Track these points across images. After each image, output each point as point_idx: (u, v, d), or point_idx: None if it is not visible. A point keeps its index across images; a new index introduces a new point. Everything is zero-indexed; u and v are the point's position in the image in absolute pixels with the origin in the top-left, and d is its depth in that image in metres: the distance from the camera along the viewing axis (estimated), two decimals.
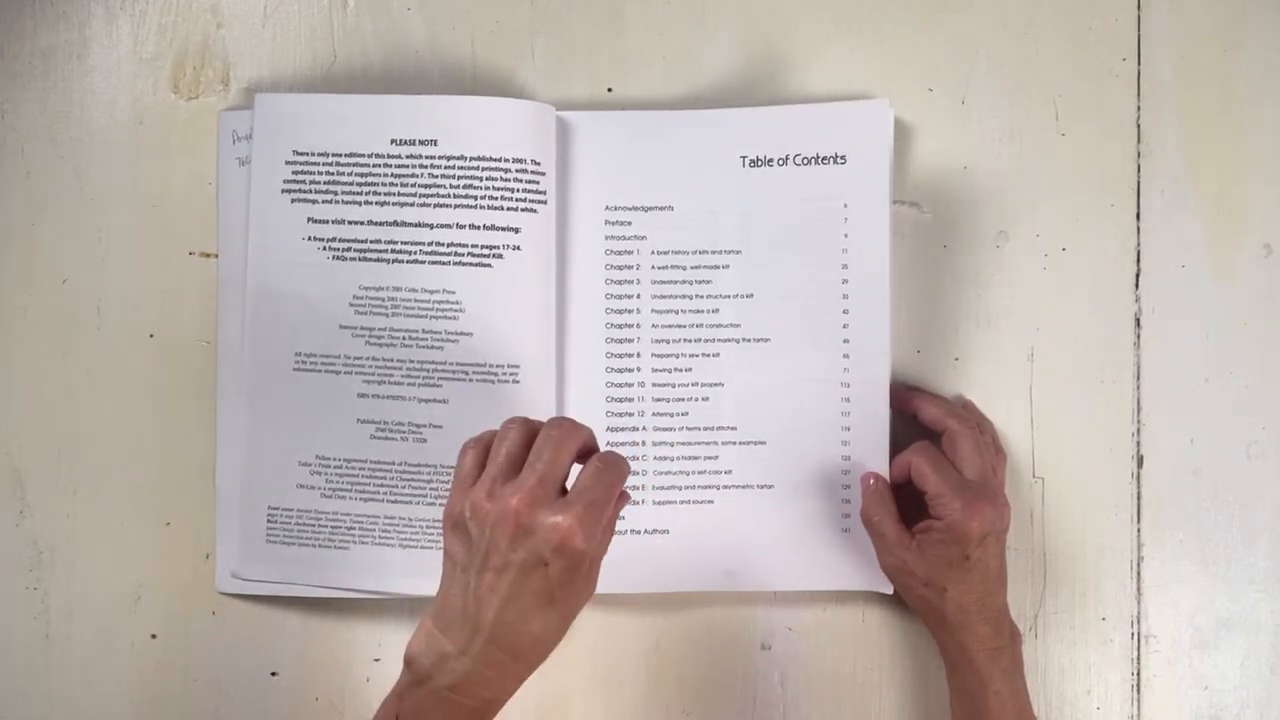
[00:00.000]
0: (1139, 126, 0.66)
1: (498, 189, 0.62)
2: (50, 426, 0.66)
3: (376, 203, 0.62)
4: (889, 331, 0.63)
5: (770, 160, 0.63)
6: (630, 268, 0.64)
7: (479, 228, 0.62)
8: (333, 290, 0.63)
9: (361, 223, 0.63)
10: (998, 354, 0.66)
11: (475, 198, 0.62)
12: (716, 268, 0.64)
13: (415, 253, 0.62)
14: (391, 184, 0.62)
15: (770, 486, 0.64)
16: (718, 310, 0.64)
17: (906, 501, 0.61)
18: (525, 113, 0.62)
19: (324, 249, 0.63)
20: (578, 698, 0.66)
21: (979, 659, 0.59)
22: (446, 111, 0.62)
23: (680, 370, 0.64)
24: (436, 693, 0.51)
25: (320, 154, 0.63)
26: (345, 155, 0.63)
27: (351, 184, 0.63)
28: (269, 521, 0.63)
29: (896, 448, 0.62)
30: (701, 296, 0.64)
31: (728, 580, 0.64)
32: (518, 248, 0.62)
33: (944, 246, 0.66)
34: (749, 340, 0.64)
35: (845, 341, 0.63)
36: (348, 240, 0.63)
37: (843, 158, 0.63)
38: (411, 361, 0.62)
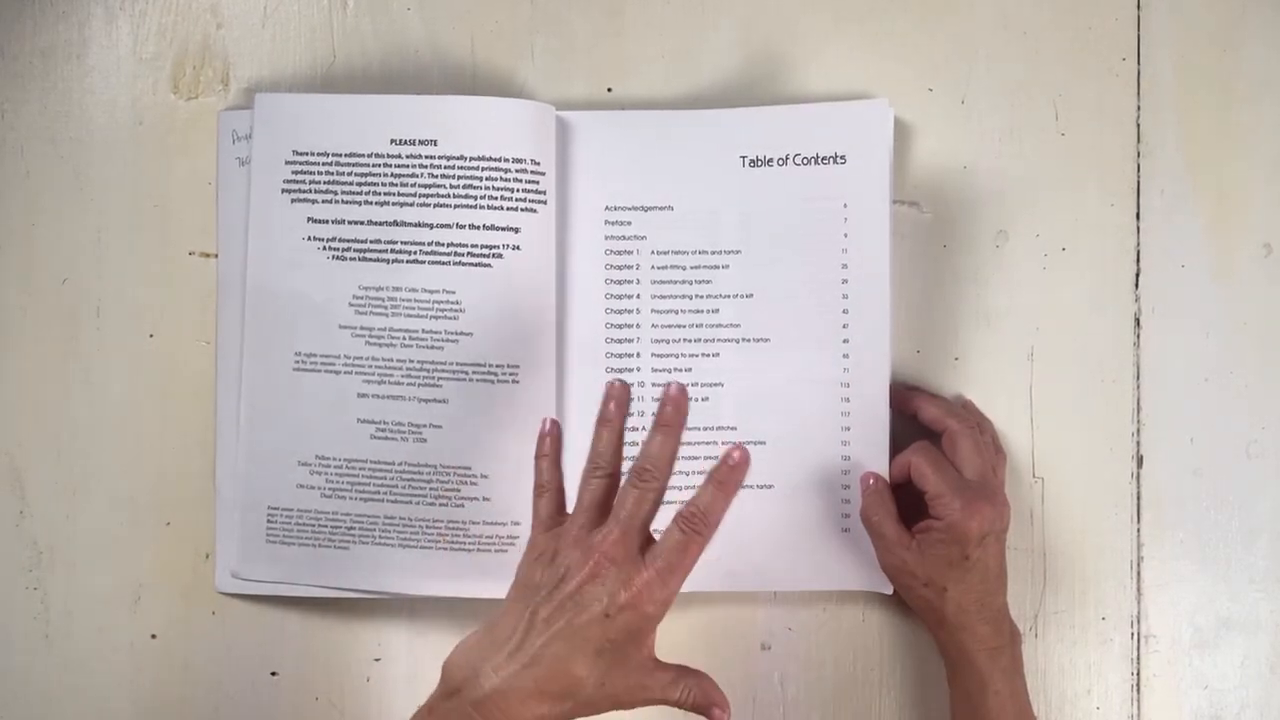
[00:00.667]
0: (1139, 126, 0.66)
1: (498, 189, 0.62)
2: (50, 426, 0.66)
3: (376, 203, 0.63)
4: (889, 331, 0.63)
5: (770, 160, 0.63)
6: (630, 268, 0.64)
7: (479, 228, 0.62)
8: (332, 290, 0.63)
9: (361, 223, 0.63)
10: (998, 354, 0.66)
11: (475, 198, 0.62)
12: (716, 268, 0.64)
13: (415, 253, 0.62)
14: (391, 184, 0.62)
15: (770, 486, 0.64)
16: (718, 310, 0.64)
17: (906, 501, 0.61)
18: (525, 112, 0.62)
19: (324, 249, 0.63)
20: None
21: (979, 659, 0.59)
22: (446, 111, 0.62)
23: (680, 370, 0.64)
24: (462, 708, 0.51)
25: (320, 154, 0.63)
26: (345, 155, 0.63)
27: (351, 184, 0.63)
28: (269, 521, 0.63)
29: (896, 448, 0.62)
30: (701, 296, 0.64)
31: (728, 580, 0.64)
32: (518, 248, 0.62)
33: (944, 246, 0.66)
34: (749, 340, 0.64)
35: (845, 341, 0.63)
36: (347, 240, 0.63)
37: (843, 158, 0.63)
38: (411, 361, 0.62)
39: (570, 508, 0.55)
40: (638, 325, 0.64)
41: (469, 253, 0.62)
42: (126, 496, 0.65)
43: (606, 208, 0.64)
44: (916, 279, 0.66)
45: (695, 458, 0.63)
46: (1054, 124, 0.66)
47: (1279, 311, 0.66)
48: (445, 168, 0.62)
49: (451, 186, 0.62)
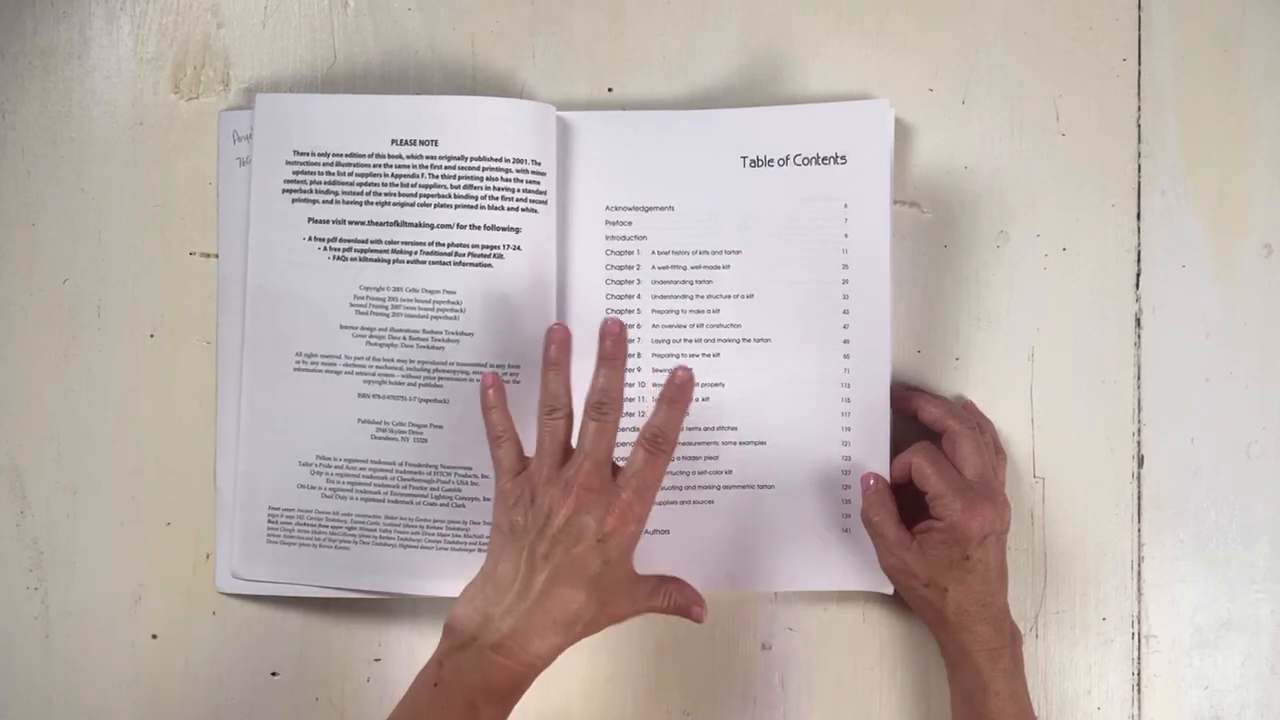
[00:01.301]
0: (1139, 126, 0.66)
1: (498, 189, 0.62)
2: (50, 426, 0.66)
3: (377, 203, 0.63)
4: (889, 331, 0.63)
5: (770, 160, 0.63)
6: (630, 268, 0.64)
7: (479, 228, 0.62)
8: (333, 290, 0.63)
9: (362, 223, 0.63)
10: (998, 354, 0.66)
11: (476, 198, 0.62)
12: (717, 268, 0.64)
13: (416, 253, 0.62)
14: (392, 184, 0.62)
15: (770, 486, 0.64)
16: (718, 310, 0.64)
17: (907, 501, 0.61)
18: (525, 113, 0.62)
19: (324, 249, 0.63)
20: (579, 698, 0.66)
21: (979, 659, 0.59)
22: (447, 111, 0.62)
23: None
24: (480, 653, 0.54)
25: (321, 154, 0.63)
26: (346, 155, 0.63)
27: (352, 184, 0.63)
28: (269, 521, 0.63)
29: (896, 448, 0.62)
30: (702, 296, 0.64)
31: (728, 581, 0.64)
32: (518, 248, 0.62)
33: (944, 246, 0.66)
34: (749, 340, 0.64)
35: (845, 341, 0.63)
36: (348, 240, 0.63)
37: (843, 158, 0.63)
38: (412, 361, 0.62)
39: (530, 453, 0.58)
40: (638, 325, 0.64)
41: (470, 253, 0.62)
42: (126, 496, 0.65)
43: (607, 208, 0.64)
44: (917, 279, 0.66)
45: (695, 458, 0.64)
46: (1054, 124, 0.66)
47: (1279, 311, 0.66)
48: (446, 168, 0.62)
49: (452, 187, 0.62)
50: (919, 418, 0.63)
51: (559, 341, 0.57)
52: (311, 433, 0.63)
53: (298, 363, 0.63)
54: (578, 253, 0.64)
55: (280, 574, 0.63)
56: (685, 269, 0.64)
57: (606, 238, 0.64)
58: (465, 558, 0.62)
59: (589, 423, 0.56)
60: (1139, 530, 0.66)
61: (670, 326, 0.64)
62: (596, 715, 0.66)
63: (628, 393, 0.63)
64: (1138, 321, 0.66)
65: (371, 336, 0.63)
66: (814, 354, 0.63)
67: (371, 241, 0.63)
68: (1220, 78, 0.66)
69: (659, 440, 0.56)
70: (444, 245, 0.62)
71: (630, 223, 0.64)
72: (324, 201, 0.63)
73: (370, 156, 0.63)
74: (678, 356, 0.64)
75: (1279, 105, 0.66)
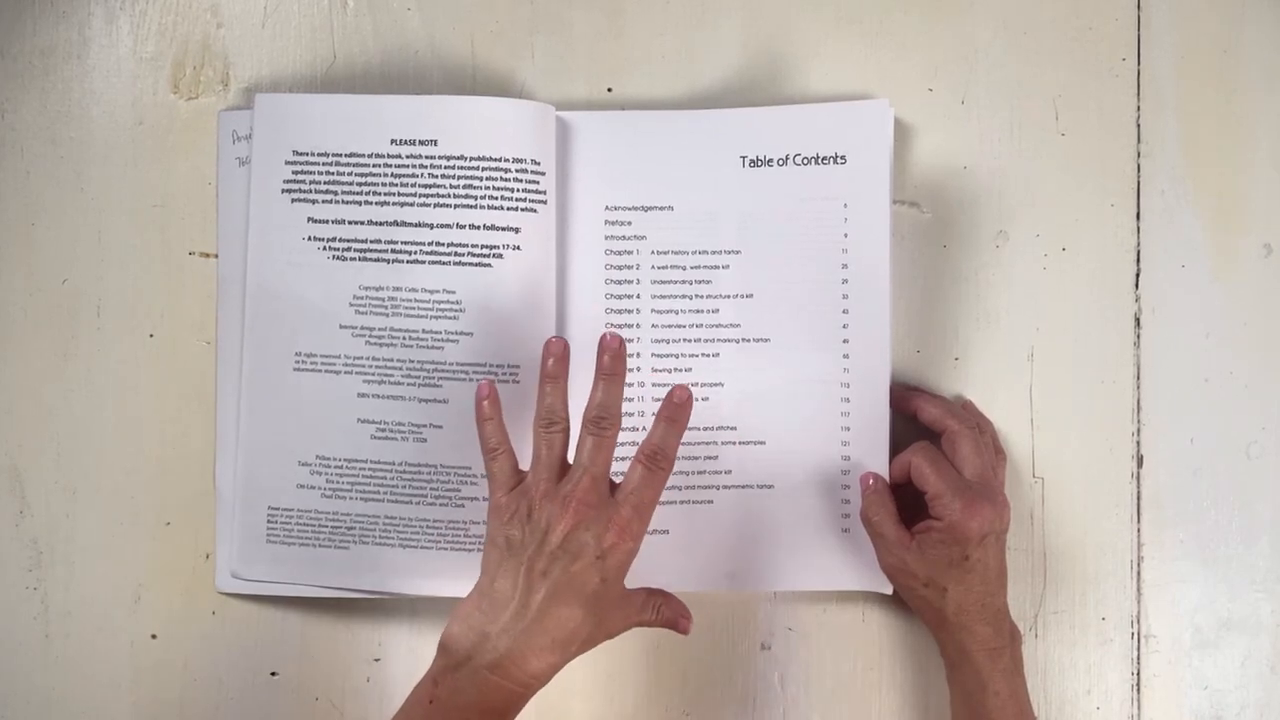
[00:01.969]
0: (1139, 126, 0.66)
1: (498, 189, 0.62)
2: (50, 426, 0.66)
3: (376, 203, 0.63)
4: (889, 331, 0.63)
5: (770, 160, 0.63)
6: (630, 268, 0.64)
7: (479, 228, 0.62)
8: (333, 290, 0.63)
9: (361, 223, 0.63)
10: (998, 354, 0.66)
11: (475, 198, 0.62)
12: (716, 268, 0.64)
13: (415, 253, 0.62)
14: (391, 184, 0.62)
15: (770, 486, 0.64)
16: (718, 310, 0.64)
17: (906, 501, 0.61)
18: (525, 113, 0.62)
19: (324, 249, 0.63)
20: (579, 698, 0.66)
21: (979, 659, 0.59)
22: (446, 111, 0.62)
23: (680, 370, 0.64)
24: (476, 672, 0.53)
25: (320, 154, 0.63)
26: (345, 155, 0.63)
27: (351, 184, 0.63)
28: (269, 521, 0.63)
29: (896, 448, 0.62)
30: (701, 296, 0.64)
31: (728, 581, 0.64)
32: (518, 248, 0.62)
33: (944, 246, 0.66)
34: (749, 340, 0.64)
35: (845, 341, 0.63)
36: (348, 240, 0.63)
37: (843, 158, 0.63)
38: (411, 361, 0.62)
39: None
40: (638, 325, 0.64)
41: (469, 253, 0.62)
42: (126, 496, 0.65)
43: (606, 208, 0.64)
44: (916, 279, 0.66)
45: (695, 458, 0.64)
46: (1054, 124, 0.66)
47: (1279, 311, 0.66)
48: (445, 168, 0.62)
49: (452, 186, 0.62)
50: (918, 418, 0.63)
51: (557, 354, 0.57)
52: (311, 432, 0.63)
53: (297, 363, 0.63)
54: (577, 253, 0.64)
55: (280, 574, 0.63)
56: (685, 269, 0.64)
57: (606, 237, 0.64)
58: (465, 558, 0.62)
59: (587, 437, 0.55)
60: (1139, 530, 0.66)
61: (670, 326, 0.64)
62: (596, 715, 0.66)
63: (626, 393, 0.63)
64: (1137, 321, 0.66)
65: (371, 336, 0.63)
66: (814, 354, 0.63)
67: (371, 241, 0.63)
68: (1220, 78, 0.66)
69: (657, 457, 0.56)
70: (444, 245, 0.62)
71: (630, 223, 0.64)
72: (323, 201, 0.63)
73: (370, 156, 0.63)
74: (677, 356, 0.64)
75: (1279, 105, 0.66)
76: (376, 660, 0.66)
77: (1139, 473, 0.66)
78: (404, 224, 0.62)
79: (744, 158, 0.63)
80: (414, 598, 0.64)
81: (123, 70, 0.66)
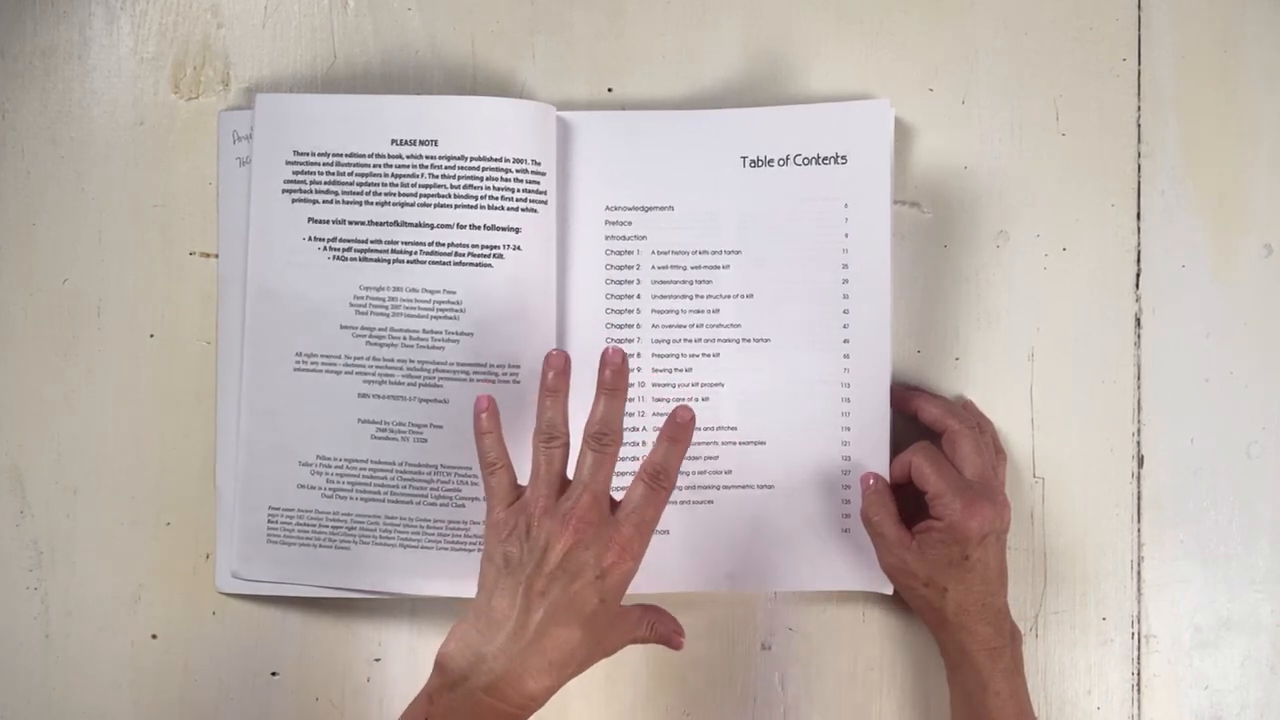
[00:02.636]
0: (1139, 126, 0.66)
1: (498, 189, 0.62)
2: (50, 426, 0.66)
3: (377, 203, 0.63)
4: (889, 331, 0.63)
5: (771, 160, 0.63)
6: (630, 268, 0.64)
7: (479, 228, 0.62)
8: (333, 290, 0.63)
9: (362, 223, 0.63)
10: (998, 354, 0.66)
11: (476, 198, 0.62)
12: (717, 268, 0.64)
13: (416, 253, 0.62)
14: (392, 184, 0.62)
15: (770, 486, 0.64)
16: (718, 310, 0.64)
17: (906, 501, 0.61)
18: (525, 113, 0.62)
19: (324, 249, 0.63)
20: (579, 698, 0.66)
21: (979, 659, 0.59)
22: (447, 111, 0.62)
23: (680, 370, 0.64)
24: (471, 694, 0.52)
25: (320, 154, 0.63)
26: (346, 155, 0.63)
27: (352, 184, 0.63)
28: (269, 522, 0.63)
29: (896, 448, 0.62)
30: (702, 296, 0.64)
31: (728, 581, 0.64)
32: (518, 248, 0.62)
33: (944, 246, 0.66)
34: (749, 340, 0.64)
35: (845, 341, 0.63)
36: (348, 240, 0.63)
37: (843, 158, 0.63)
38: (412, 361, 0.62)
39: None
40: (638, 325, 0.64)
41: (470, 253, 0.62)
42: (126, 496, 0.65)
43: (607, 208, 0.64)
44: (917, 279, 0.66)
45: (695, 458, 0.63)
46: (1054, 124, 0.66)
47: (1279, 311, 0.66)
48: (446, 168, 0.62)
49: (452, 187, 0.62)
50: (919, 418, 0.63)
51: (558, 368, 0.56)
52: (311, 433, 0.63)
53: (298, 363, 0.63)
54: (578, 253, 0.64)
55: (280, 574, 0.63)
56: (685, 269, 0.64)
57: (606, 238, 0.64)
58: (465, 558, 0.62)
59: (588, 453, 0.55)
60: (1139, 530, 0.66)
61: (670, 326, 0.64)
62: (596, 715, 0.66)
63: (628, 395, 0.63)
64: (1138, 321, 0.66)
65: (371, 336, 0.63)
66: (814, 354, 0.63)
67: (371, 241, 0.63)
68: (1220, 78, 0.66)
69: (660, 477, 0.55)
70: (444, 245, 0.62)
71: (630, 223, 0.64)
72: (324, 201, 0.63)
73: (370, 156, 0.63)
74: (678, 356, 0.64)
75: (1279, 105, 0.66)
76: (376, 660, 0.66)
77: (1139, 473, 0.66)
78: (404, 224, 0.62)
79: (744, 158, 0.63)
80: (414, 598, 0.64)
81: (123, 70, 0.66)
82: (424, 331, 0.62)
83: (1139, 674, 0.66)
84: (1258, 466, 0.66)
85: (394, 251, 0.62)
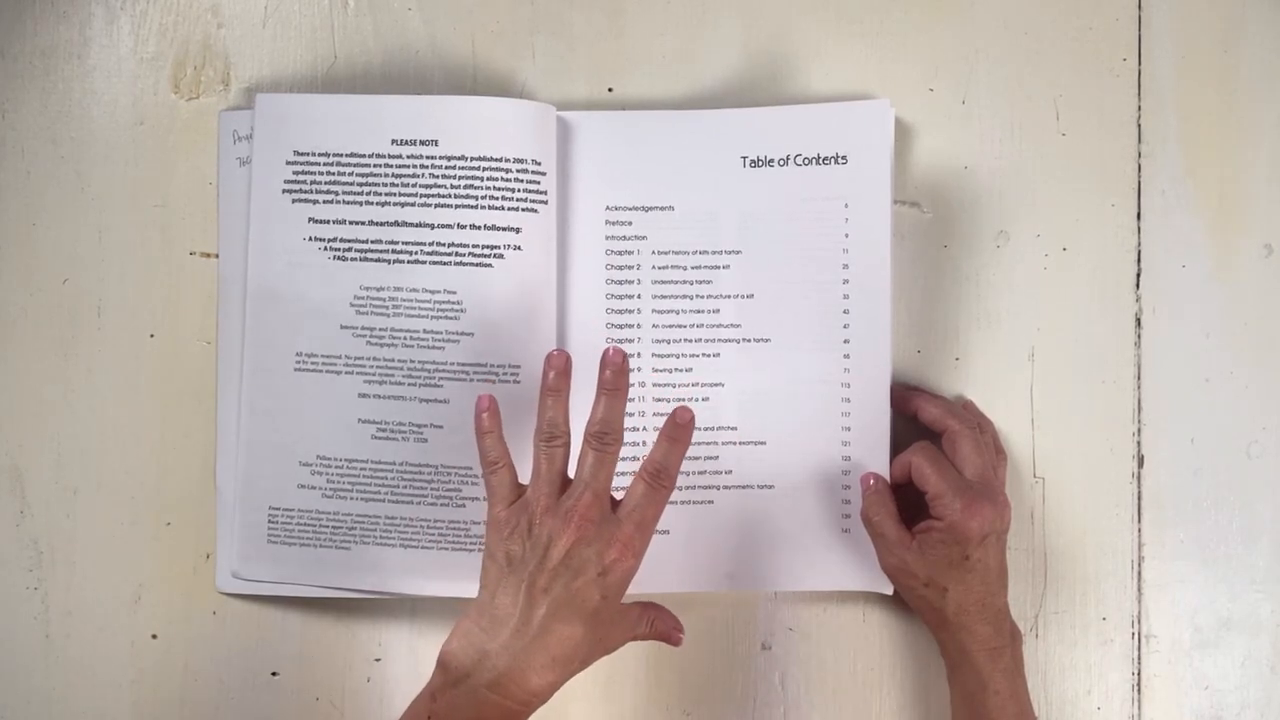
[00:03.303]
0: (1139, 126, 0.66)
1: (498, 189, 0.62)
2: (50, 426, 0.65)
3: (377, 203, 0.63)
4: (889, 331, 0.63)
5: (771, 160, 0.63)
6: (631, 268, 0.64)
7: (480, 228, 0.62)
8: (333, 290, 0.63)
9: (362, 223, 0.63)
10: (998, 354, 0.66)
11: (476, 198, 0.62)
12: (717, 268, 0.64)
13: (416, 253, 0.62)
14: (392, 184, 0.62)
15: (770, 486, 0.64)
16: (718, 310, 0.64)
17: (907, 501, 0.61)
18: (526, 113, 0.62)
19: (325, 249, 0.63)
20: (579, 698, 0.66)
21: (979, 659, 0.59)
22: (447, 112, 0.62)
23: (680, 370, 0.64)
24: (474, 691, 0.52)
25: (321, 154, 0.63)
26: (346, 155, 0.63)
27: (352, 184, 0.63)
28: (270, 522, 0.63)
29: (896, 448, 0.62)
30: (702, 296, 0.64)
31: (728, 581, 0.64)
32: (519, 248, 0.62)
33: (944, 246, 0.66)
34: (749, 340, 0.64)
35: (845, 341, 0.63)
36: (348, 240, 0.63)
37: (843, 158, 0.63)
38: (412, 361, 0.62)
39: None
40: (638, 325, 0.64)
41: (470, 253, 0.62)
42: (126, 496, 0.65)
43: (607, 208, 0.64)
44: (917, 279, 0.66)
45: (695, 458, 0.64)
46: (1054, 124, 0.66)
47: (1279, 311, 0.66)
48: (446, 168, 0.62)
49: (452, 187, 0.62)
50: (919, 418, 0.63)
51: (559, 368, 0.56)
52: (311, 433, 0.63)
53: (298, 363, 0.63)
54: (578, 253, 0.64)
55: (280, 574, 0.63)
56: (685, 269, 0.64)
57: (606, 238, 0.64)
58: (465, 558, 0.62)
59: (589, 452, 0.55)
60: (1139, 530, 0.66)
61: (670, 326, 0.64)
62: (596, 715, 0.66)
63: (628, 395, 0.63)
64: (1138, 321, 0.66)
65: (372, 336, 0.63)
66: (814, 354, 0.63)
67: (372, 241, 0.63)
68: (1220, 78, 0.66)
69: (660, 476, 0.55)
70: (444, 245, 0.62)
71: (630, 223, 0.64)
72: (324, 201, 0.63)
73: (370, 156, 0.63)
74: (678, 356, 0.64)
75: (1278, 105, 0.66)
76: (377, 660, 0.66)
77: (1139, 473, 0.66)
78: (405, 224, 0.62)
79: (745, 158, 0.63)
80: (414, 598, 0.64)
81: (123, 70, 0.66)
82: (424, 331, 0.62)
83: (1139, 674, 0.66)
84: (1258, 466, 0.66)
85: (394, 251, 0.62)
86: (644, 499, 0.55)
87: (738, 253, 0.64)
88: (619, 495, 0.56)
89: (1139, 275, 0.66)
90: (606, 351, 0.56)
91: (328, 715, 0.66)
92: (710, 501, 0.64)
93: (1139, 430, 0.66)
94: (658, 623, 0.57)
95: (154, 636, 0.66)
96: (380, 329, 0.62)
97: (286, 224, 0.63)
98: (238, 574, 0.64)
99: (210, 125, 0.65)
